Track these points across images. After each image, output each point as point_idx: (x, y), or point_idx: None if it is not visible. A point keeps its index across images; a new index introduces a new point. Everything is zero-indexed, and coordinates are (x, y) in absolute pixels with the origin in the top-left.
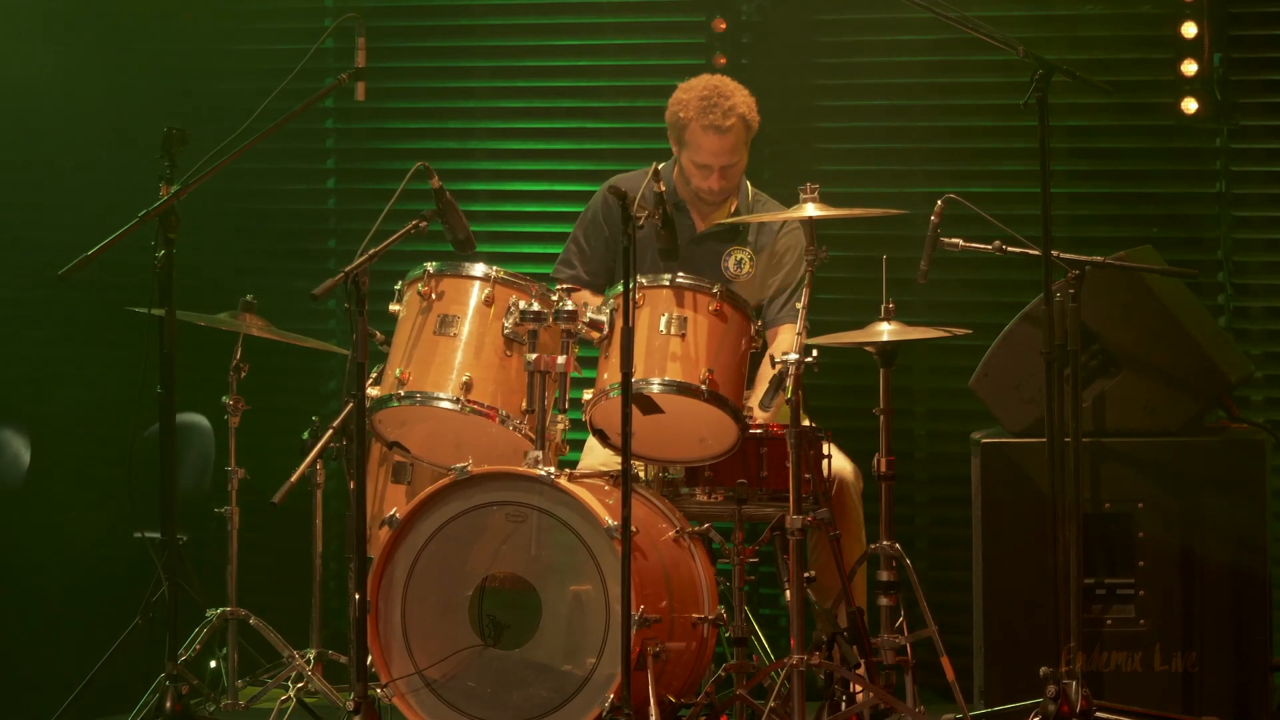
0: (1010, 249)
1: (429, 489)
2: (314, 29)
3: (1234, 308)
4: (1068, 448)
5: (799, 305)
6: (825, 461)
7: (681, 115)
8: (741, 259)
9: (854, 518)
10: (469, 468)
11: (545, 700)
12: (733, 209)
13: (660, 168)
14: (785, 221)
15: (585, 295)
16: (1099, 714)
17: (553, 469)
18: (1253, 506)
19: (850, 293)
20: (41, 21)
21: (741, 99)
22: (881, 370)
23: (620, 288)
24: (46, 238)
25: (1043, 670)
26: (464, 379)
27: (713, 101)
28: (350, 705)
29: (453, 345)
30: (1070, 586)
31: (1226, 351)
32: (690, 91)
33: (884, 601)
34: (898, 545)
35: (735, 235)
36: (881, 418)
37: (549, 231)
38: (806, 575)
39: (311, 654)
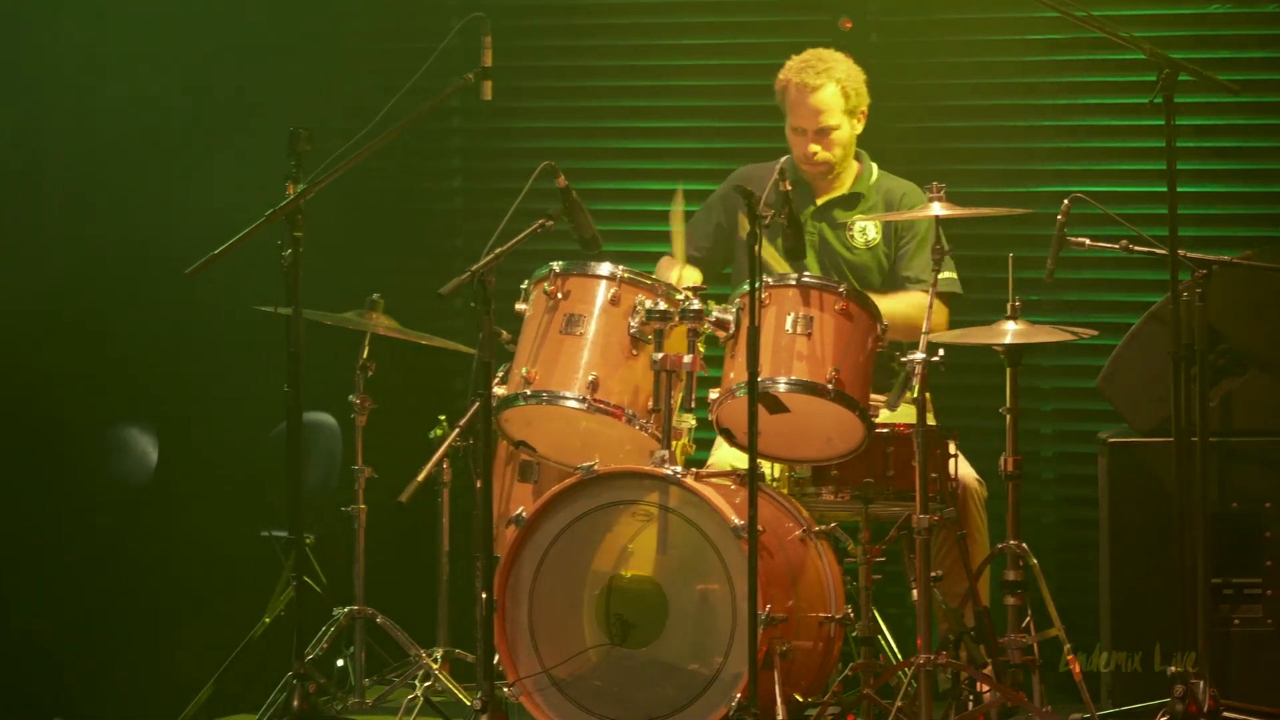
0: (1137, 248)
1: (555, 488)
2: (440, 29)
3: None
4: (1195, 447)
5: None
6: (951, 461)
7: (781, 80)
8: (866, 226)
9: (976, 525)
10: (595, 466)
11: (672, 699)
12: (850, 183)
13: (784, 161)
14: (905, 191)
15: (676, 269)
16: (1226, 714)
17: (679, 468)
18: None
19: (977, 292)
20: (167, 23)
21: (844, 68)
22: (1008, 369)
23: (747, 286)
24: (173, 237)
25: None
26: (590, 378)
27: (809, 63)
28: (477, 704)
29: (579, 344)
30: (1197, 586)
31: None
32: (794, 59)
33: (1010, 601)
34: (1024, 545)
35: (855, 205)
36: (1008, 417)
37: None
38: (933, 574)
39: (438, 653)
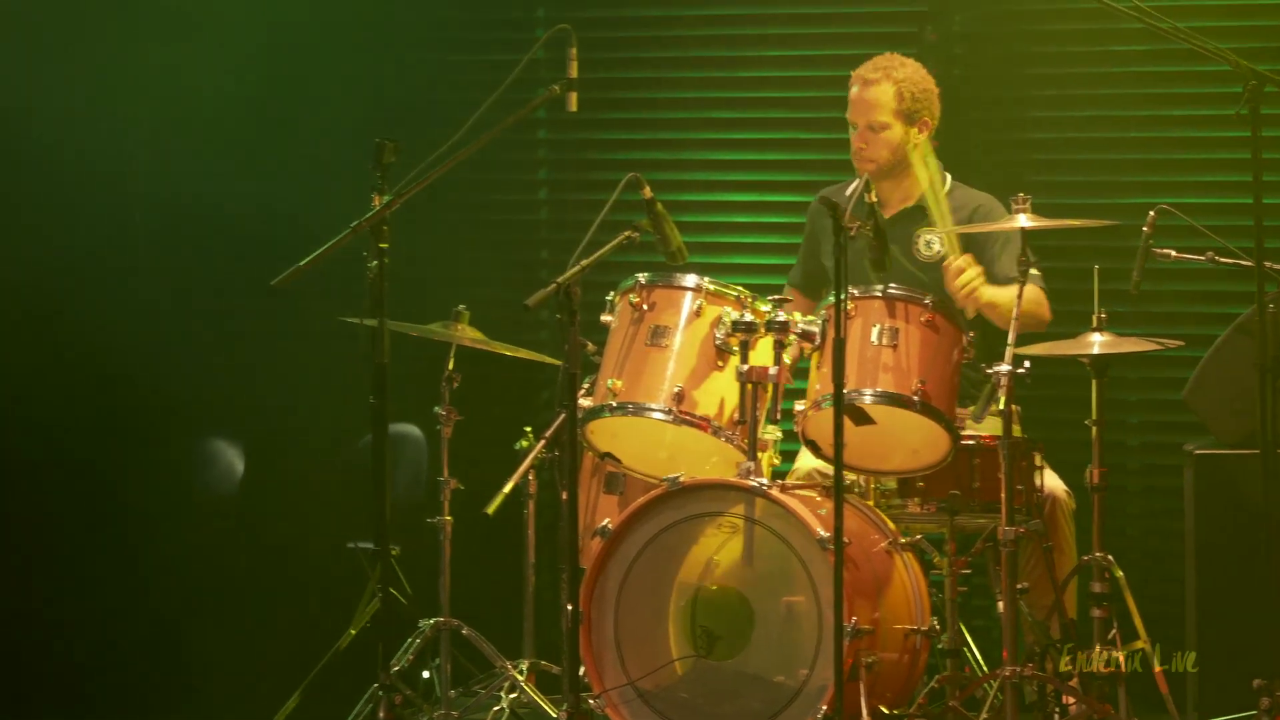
0: (1223, 260)
1: (641, 499)
2: (525, 40)
3: None
4: None
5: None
6: (1037, 473)
7: (850, 78)
8: (931, 240)
9: (1065, 536)
10: (681, 478)
11: (758, 711)
12: (919, 196)
13: (869, 176)
14: (980, 204)
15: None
16: None
17: (765, 480)
18: None
19: (1062, 304)
20: (251, 33)
21: (907, 72)
22: (1094, 381)
23: (832, 298)
24: (260, 249)
25: (1256, 682)
26: (676, 389)
27: (875, 62)
28: (562, 716)
29: (664, 356)
30: None
31: None
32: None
33: (1096, 613)
34: (1110, 557)
35: (925, 217)
36: (1094, 429)
37: (761, 242)
38: (1019, 587)
39: (524, 664)
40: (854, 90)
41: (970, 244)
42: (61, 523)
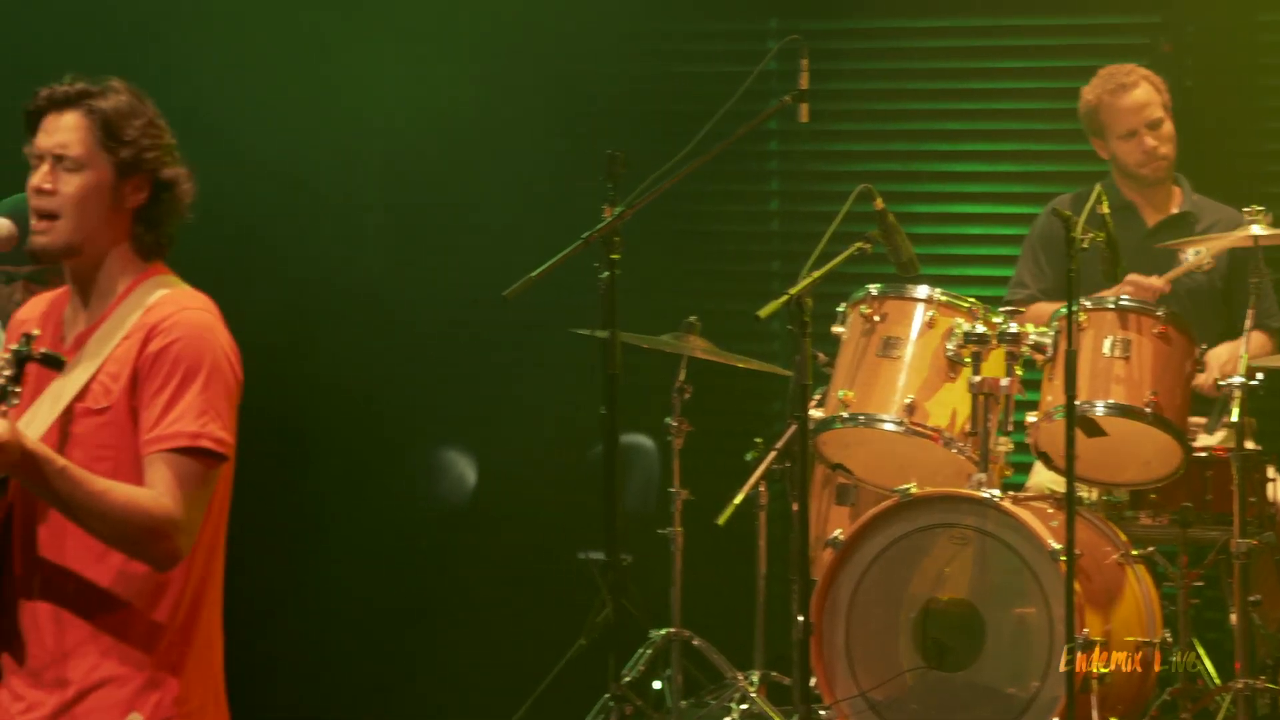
0: None
1: (872, 511)
2: (756, 51)
3: None
4: None
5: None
6: (1270, 485)
7: (1089, 99)
8: (1200, 249)
9: None
10: (913, 490)
11: None
12: (1178, 203)
13: (1101, 186)
14: (1232, 215)
15: (1040, 308)
16: None
17: (997, 491)
18: None
19: None
20: (479, 46)
21: (1143, 71)
22: None
23: (1064, 310)
24: (491, 261)
25: None
26: (907, 401)
27: (1111, 73)
28: None
29: (896, 367)
30: None
31: None
32: (1089, 84)
33: None
34: None
35: (1188, 227)
36: None
37: (993, 254)
38: (1251, 599)
39: (755, 675)
40: (1109, 102)
41: (1227, 261)
42: (303, 532)
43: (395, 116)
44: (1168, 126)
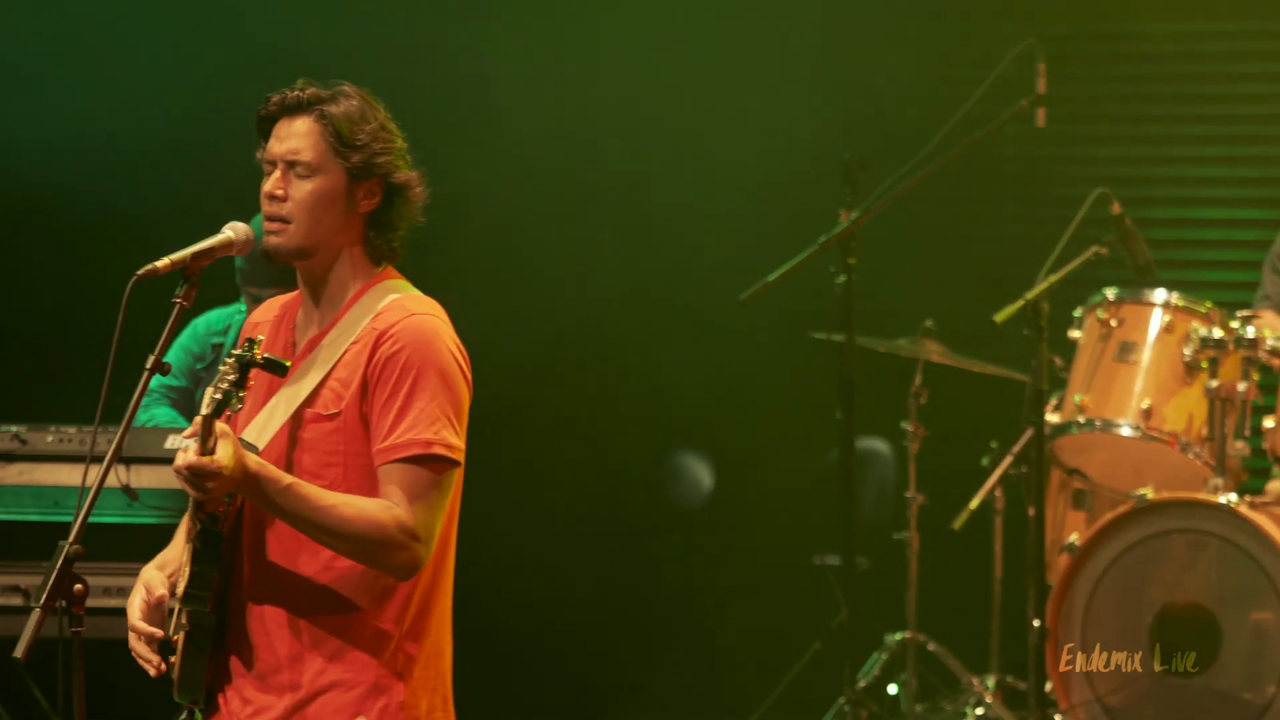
0: None
1: (1109, 515)
2: (991, 56)
3: None
4: None
5: None
6: None
7: None
8: None
9: None
10: (1148, 494)
11: None
12: None
13: None
14: None
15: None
16: None
17: (1234, 496)
18: None
19: None
20: (723, 51)
21: None
22: None
23: None
24: (729, 265)
25: None
26: (1143, 406)
27: None
28: None
29: (1132, 372)
30: None
31: None
32: None
33: None
34: None
35: None
36: None
37: (1231, 259)
38: None
39: (990, 680)
40: None
41: None
42: (543, 535)
43: (619, 121)
44: None
